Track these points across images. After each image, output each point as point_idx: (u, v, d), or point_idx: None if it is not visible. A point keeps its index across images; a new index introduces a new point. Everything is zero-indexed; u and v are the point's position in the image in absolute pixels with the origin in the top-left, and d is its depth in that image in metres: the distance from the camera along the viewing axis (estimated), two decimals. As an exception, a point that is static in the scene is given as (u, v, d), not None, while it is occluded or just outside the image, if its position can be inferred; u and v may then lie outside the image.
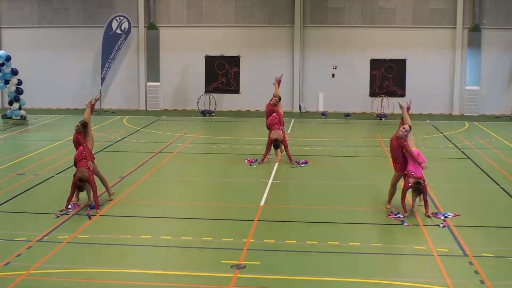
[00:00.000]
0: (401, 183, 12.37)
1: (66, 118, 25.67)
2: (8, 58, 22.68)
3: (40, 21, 28.96)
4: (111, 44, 27.92)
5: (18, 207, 12.28)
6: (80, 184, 11.83)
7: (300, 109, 28.28)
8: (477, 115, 27.15)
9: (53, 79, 28.86)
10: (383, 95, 27.35)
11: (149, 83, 28.79)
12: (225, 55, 28.55)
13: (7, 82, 23.26)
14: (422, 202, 11.98)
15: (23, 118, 23.89)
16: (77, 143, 12.32)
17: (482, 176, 15.33)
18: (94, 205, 11.91)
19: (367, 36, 27.93)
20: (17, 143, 20.15)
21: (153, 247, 9.98)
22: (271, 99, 17.09)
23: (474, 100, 27.32)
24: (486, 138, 21.03)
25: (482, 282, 8.49)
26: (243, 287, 8.36)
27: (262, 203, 12.65)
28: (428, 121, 25.46)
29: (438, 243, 10.07)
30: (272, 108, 16.90)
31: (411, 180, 11.62)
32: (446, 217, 11.53)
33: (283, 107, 18.27)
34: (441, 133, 22.25)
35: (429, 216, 11.54)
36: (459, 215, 11.68)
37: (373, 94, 28.01)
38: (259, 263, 9.19)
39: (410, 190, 11.79)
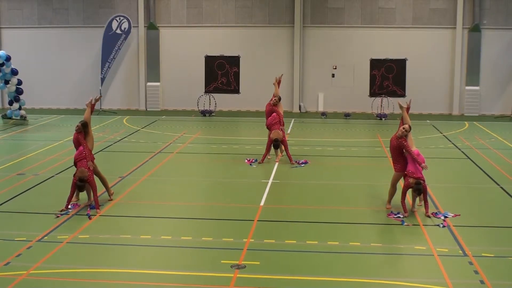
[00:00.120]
0: (401, 183, 12.37)
1: (66, 118, 25.67)
2: (8, 58, 22.68)
3: (40, 21, 28.97)
4: (111, 44, 27.92)
5: (18, 207, 12.28)
6: (80, 184, 11.83)
7: (300, 109, 28.28)
8: (477, 115, 27.16)
9: (53, 79, 28.87)
10: (383, 95, 27.35)
11: (149, 83, 28.80)
12: (225, 55, 28.56)
13: (7, 82, 23.26)
14: (422, 202, 11.98)
15: (23, 118, 23.89)
16: (77, 143, 12.32)
17: (482, 176, 15.33)
18: (94, 205, 11.91)
19: (367, 36, 27.93)
20: (17, 143, 20.15)
21: (153, 247, 9.98)
22: (271, 99, 17.09)
23: (474, 100, 27.32)
24: (486, 138, 21.03)
25: (482, 282, 8.49)
26: (243, 287, 8.36)
27: (262, 203, 12.65)
28: (428, 121, 25.45)
29: (438, 243, 10.07)
30: (272, 108, 16.90)
31: (411, 180, 11.62)
32: (446, 217, 11.53)
33: (283, 107, 18.29)
34: (441, 133, 22.25)
35: (429, 216, 11.55)
36: (459, 215, 11.69)
37: (373, 94, 28.02)
38: (259, 263, 9.19)
39: (410, 190, 11.80)
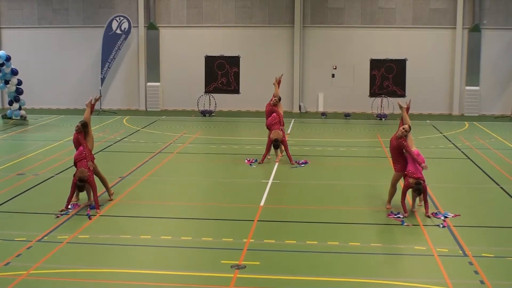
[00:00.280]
0: (401, 183, 12.37)
1: (66, 118, 25.67)
2: (8, 58, 22.68)
3: (40, 21, 28.97)
4: (111, 44, 27.92)
5: (18, 207, 12.28)
6: (80, 184, 11.83)
7: (300, 109, 28.28)
8: (477, 115, 27.16)
9: (53, 79, 28.88)
10: (383, 95, 27.35)
11: (149, 83, 28.80)
12: (225, 55, 28.56)
13: (7, 82, 23.26)
14: (422, 202, 11.98)
15: (23, 118, 23.89)
16: (77, 143, 12.32)
17: (482, 176, 15.33)
18: (94, 205, 11.91)
19: (367, 36, 27.93)
20: (17, 143, 20.15)
21: (153, 247, 9.98)
22: (271, 99, 17.09)
23: (474, 100, 27.32)
24: (486, 138, 21.03)
25: (482, 282, 8.49)
26: (243, 287, 8.36)
27: (262, 203, 12.65)
28: (428, 121, 25.45)
29: (438, 243, 10.07)
30: (272, 108, 16.90)
31: (411, 180, 11.62)
32: (446, 217, 11.53)
33: (283, 107, 18.28)
34: (441, 133, 22.25)
35: (429, 216, 11.54)
36: (459, 215, 11.69)
37: (373, 94, 28.02)
38: (259, 263, 9.19)
39: (410, 190, 11.80)
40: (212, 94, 28.24)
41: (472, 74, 27.34)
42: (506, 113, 27.04)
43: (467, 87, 27.41)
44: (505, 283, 8.54)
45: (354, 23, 27.97)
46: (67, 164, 15.84)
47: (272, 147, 16.63)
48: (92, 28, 28.60)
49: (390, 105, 27.02)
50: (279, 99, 17.10)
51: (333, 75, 28.32)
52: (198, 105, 27.92)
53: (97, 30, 28.28)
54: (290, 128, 23.20)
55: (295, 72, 28.02)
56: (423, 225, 11.09)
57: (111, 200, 12.64)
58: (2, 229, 10.78)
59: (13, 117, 23.76)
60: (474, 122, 25.02)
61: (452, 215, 11.66)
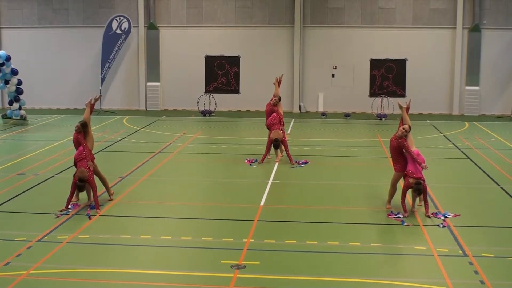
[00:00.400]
0: (401, 183, 12.37)
1: (66, 118, 25.67)
2: (8, 58, 22.68)
3: (40, 21, 28.96)
4: (111, 44, 27.92)
5: (18, 207, 12.28)
6: (80, 184, 11.83)
7: (300, 109, 28.28)
8: (477, 115, 27.16)
9: (53, 79, 28.88)
10: (383, 95, 27.35)
11: (149, 83, 28.80)
12: (225, 55, 28.56)
13: (7, 82, 23.26)
14: (422, 202, 11.98)
15: (23, 118, 23.89)
16: (77, 143, 12.32)
17: (482, 176, 15.33)
18: (94, 205, 11.91)
19: (367, 36, 27.94)
20: (17, 143, 20.15)
21: (153, 247, 9.98)
22: (271, 99, 17.09)
23: (474, 100, 27.32)
24: (486, 138, 21.03)
25: (482, 282, 8.49)
26: (243, 287, 8.36)
27: (262, 203, 12.65)
28: (428, 121, 25.45)
29: (438, 243, 10.07)
30: (272, 108, 16.90)
31: (411, 180, 11.61)
32: (446, 217, 11.53)
33: (283, 107, 18.28)
34: (441, 133, 22.25)
35: (429, 216, 11.54)
36: (459, 215, 11.69)
37: (373, 94, 28.03)
38: (259, 263, 9.19)
39: (410, 190, 11.79)
40: (212, 94, 28.25)
41: (472, 74, 27.35)
42: (506, 113, 27.04)
43: (467, 87, 27.42)
44: (505, 283, 8.54)
45: (354, 23, 27.97)
46: (67, 164, 15.84)
47: (272, 147, 16.63)
48: (92, 28, 28.60)
49: (390, 105, 27.02)
50: (279, 99, 17.10)
51: (333, 75, 28.32)
52: (198, 105, 27.92)
53: (97, 30, 28.28)
54: (290, 128, 23.20)
55: (295, 72, 28.02)
56: (423, 225, 11.09)
57: (111, 200, 12.64)
58: (2, 229, 10.78)
59: (13, 117, 23.76)
60: (474, 122, 25.02)
61: (452, 215, 11.66)
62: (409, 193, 11.99)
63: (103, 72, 28.03)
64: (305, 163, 16.55)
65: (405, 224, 11.17)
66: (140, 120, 25.49)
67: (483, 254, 9.57)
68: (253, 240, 10.23)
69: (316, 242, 10.16)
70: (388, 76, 28.00)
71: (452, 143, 19.97)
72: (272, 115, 16.79)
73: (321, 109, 28.20)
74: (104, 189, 12.81)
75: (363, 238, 10.40)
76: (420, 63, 27.66)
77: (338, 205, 12.66)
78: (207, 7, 28.44)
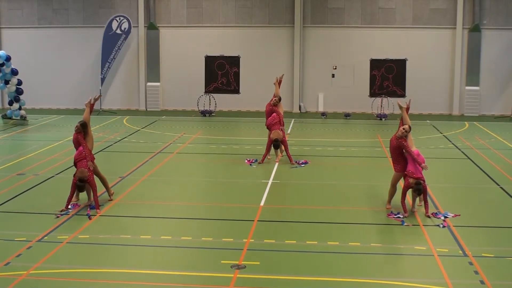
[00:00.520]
0: (401, 183, 12.37)
1: (66, 118, 25.67)
2: (8, 58, 22.68)
3: (40, 21, 28.97)
4: (111, 44, 27.93)
5: (18, 207, 12.28)
6: (80, 184, 11.83)
7: (300, 109, 28.28)
8: (477, 115, 27.16)
9: (53, 79, 28.88)
10: (383, 95, 27.36)
11: (149, 83, 28.80)
12: (225, 55, 28.56)
13: (7, 82, 23.26)
14: (422, 202, 11.98)
15: (23, 118, 23.89)
16: (77, 143, 12.32)
17: (482, 176, 15.33)
18: (94, 205, 11.91)
19: (367, 36, 27.94)
20: (17, 143, 20.15)
21: (153, 247, 9.98)
22: (271, 99, 17.09)
23: (474, 100, 27.32)
24: (486, 138, 21.03)
25: (482, 282, 8.49)
26: (243, 287, 8.36)
27: (262, 203, 12.65)
28: (428, 121, 25.45)
29: (438, 243, 10.07)
30: (272, 108, 16.90)
31: (411, 180, 11.61)
32: (446, 217, 11.53)
33: (283, 107, 18.27)
34: (441, 133, 22.25)
35: (429, 216, 11.54)
36: (459, 215, 11.69)
37: (373, 94, 28.03)
38: (259, 263, 9.19)
39: (410, 190, 11.79)
40: (212, 94, 28.25)
41: (472, 74, 27.35)
42: (506, 113, 27.05)
43: (467, 87, 27.41)
44: (505, 283, 8.54)
45: (354, 23, 27.97)
46: (67, 164, 15.84)
47: (272, 147, 16.63)
48: (92, 28, 28.60)
49: (390, 105, 27.02)
50: (279, 99, 17.10)
51: (333, 75, 28.32)
52: (198, 105, 27.92)
53: (97, 30, 28.28)
54: (290, 128, 23.20)
55: (295, 72, 28.02)
56: (423, 225, 11.09)
57: (111, 200, 12.64)
58: (2, 229, 10.78)
59: (13, 117, 23.76)
60: (474, 122, 25.02)
61: (452, 215, 11.66)
62: (409, 193, 11.99)
63: (103, 72, 28.04)
64: (305, 163, 16.55)
65: (405, 224, 11.17)
66: (140, 120, 25.49)
67: (483, 254, 9.57)
68: (253, 240, 10.23)
69: (316, 242, 10.16)
70: (388, 76, 28.00)
71: (452, 143, 19.97)
72: (272, 115, 16.79)
73: (321, 109, 28.20)
74: (104, 189, 12.82)
75: (363, 238, 10.40)
76: (420, 63, 27.66)
77: (338, 205, 12.66)
78: (207, 7, 28.44)
